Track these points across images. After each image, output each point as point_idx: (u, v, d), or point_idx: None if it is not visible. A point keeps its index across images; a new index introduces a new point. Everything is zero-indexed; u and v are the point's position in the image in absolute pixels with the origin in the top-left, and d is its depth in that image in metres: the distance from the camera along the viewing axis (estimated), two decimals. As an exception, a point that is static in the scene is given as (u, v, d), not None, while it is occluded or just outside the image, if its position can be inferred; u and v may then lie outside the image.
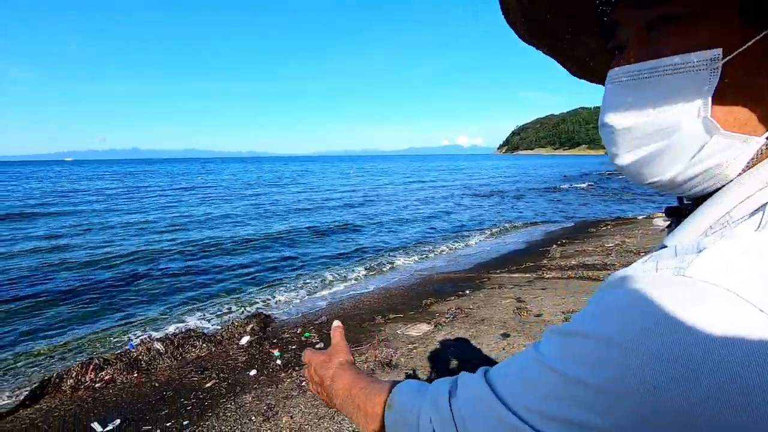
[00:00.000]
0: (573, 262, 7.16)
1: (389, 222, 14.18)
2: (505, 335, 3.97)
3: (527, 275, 6.55)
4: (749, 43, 0.35)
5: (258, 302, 6.41)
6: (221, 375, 3.72)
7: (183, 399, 3.32)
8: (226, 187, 32.08)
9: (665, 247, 0.39)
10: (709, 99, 0.36)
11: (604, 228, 11.07)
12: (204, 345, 4.55)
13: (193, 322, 5.69)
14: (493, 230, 12.32)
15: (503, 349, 3.66)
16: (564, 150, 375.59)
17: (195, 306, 6.31)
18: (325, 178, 43.19)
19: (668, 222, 0.49)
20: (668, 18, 0.38)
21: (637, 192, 22.41)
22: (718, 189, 0.39)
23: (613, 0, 0.43)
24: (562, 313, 4.42)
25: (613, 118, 0.42)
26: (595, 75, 0.58)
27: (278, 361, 3.94)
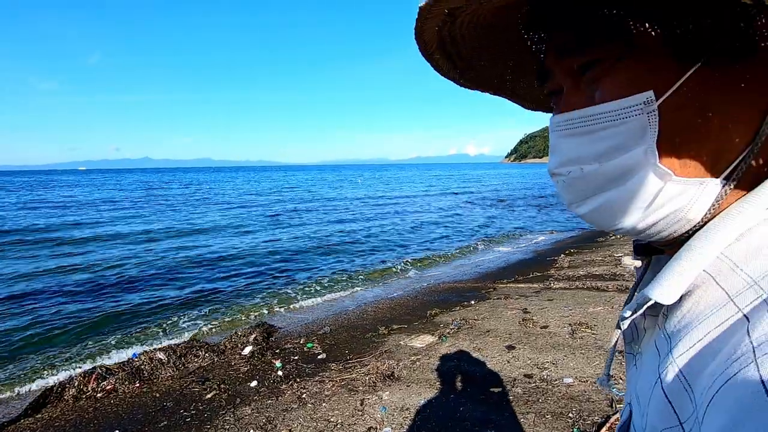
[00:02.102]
0: (581, 273, 7.04)
1: (395, 231, 14.14)
2: (511, 347, 3.90)
3: (534, 285, 6.46)
4: (681, 80, 0.31)
5: (262, 312, 6.39)
6: (222, 386, 3.69)
7: (183, 410, 3.30)
8: (236, 196, 32.36)
9: (647, 298, 0.35)
10: (654, 144, 0.33)
11: (613, 237, 10.90)
12: (207, 355, 4.53)
13: (196, 331, 5.69)
14: (500, 239, 12.21)
15: (508, 362, 3.58)
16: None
17: (199, 315, 6.30)
18: (333, 187, 43.35)
19: (637, 261, 0.46)
20: (594, 63, 0.35)
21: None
22: (688, 231, 0.36)
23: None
24: (569, 325, 4.33)
25: (560, 169, 0.39)
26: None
27: (279, 372, 3.90)
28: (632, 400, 0.41)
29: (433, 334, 4.51)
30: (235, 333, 5.04)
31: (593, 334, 4.04)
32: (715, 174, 0.33)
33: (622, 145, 0.34)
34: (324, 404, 3.13)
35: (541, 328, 4.37)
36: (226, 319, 6.13)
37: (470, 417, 2.76)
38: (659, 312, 0.39)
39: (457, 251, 10.69)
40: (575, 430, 2.48)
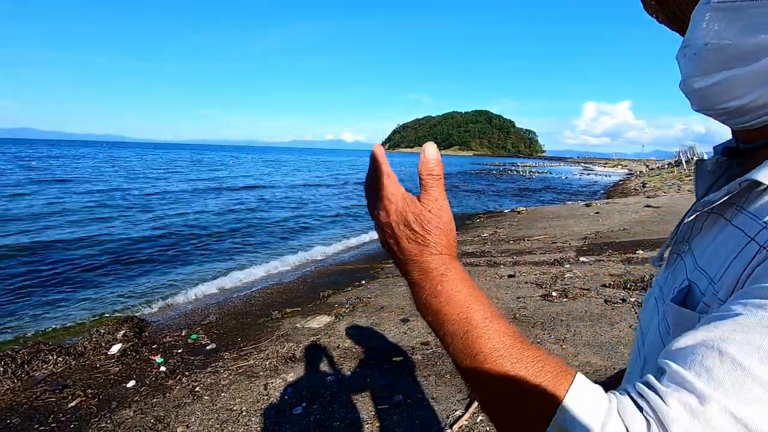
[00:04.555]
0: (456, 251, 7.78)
1: (278, 216, 13.65)
2: (405, 320, 4.14)
3: (417, 264, 6.92)
4: None
5: (128, 304, 5.59)
6: (89, 391, 3.15)
7: (37, 425, 2.72)
8: (90, 174, 27.21)
9: (757, 182, 0.39)
10: None
11: (478, 220, 12.28)
12: (60, 359, 3.80)
13: (42, 332, 4.72)
14: (382, 223, 12.73)
15: (405, 333, 3.81)
16: (440, 150, 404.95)
17: (45, 313, 5.22)
18: (201, 169, 39.60)
19: (715, 160, 0.52)
20: None
21: (501, 189, 25.39)
22: None
23: None
24: (453, 296, 4.77)
25: (697, 41, 0.42)
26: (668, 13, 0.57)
27: (162, 368, 3.49)
28: (690, 275, 0.46)
29: (329, 315, 4.53)
30: (96, 331, 4.33)
31: (473, 302, 4.53)
32: None
33: (765, 25, 0.38)
34: (223, 394, 2.91)
35: (429, 300, 4.73)
36: (83, 316, 5.22)
37: (378, 385, 2.87)
38: (723, 210, 0.45)
39: (342, 234, 10.83)
40: (470, 384, 2.78)
